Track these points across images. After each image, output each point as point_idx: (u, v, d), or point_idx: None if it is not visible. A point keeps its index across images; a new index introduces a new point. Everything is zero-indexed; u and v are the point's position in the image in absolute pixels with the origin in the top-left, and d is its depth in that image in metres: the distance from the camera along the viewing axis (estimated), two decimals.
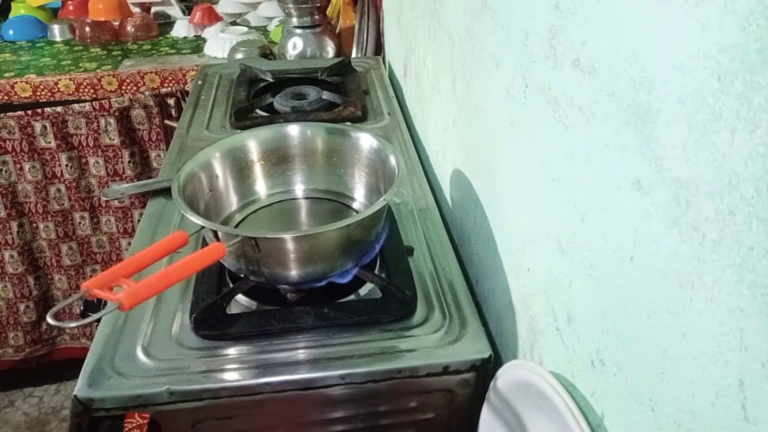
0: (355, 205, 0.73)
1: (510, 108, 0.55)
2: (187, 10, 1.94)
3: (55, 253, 1.58)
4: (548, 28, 0.45)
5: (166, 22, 1.92)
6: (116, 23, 1.80)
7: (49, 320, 0.43)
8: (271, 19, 1.89)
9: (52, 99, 1.48)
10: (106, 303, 0.46)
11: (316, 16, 1.43)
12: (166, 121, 1.47)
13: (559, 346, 0.48)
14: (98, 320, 0.46)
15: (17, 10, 1.89)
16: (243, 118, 1.00)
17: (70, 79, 1.48)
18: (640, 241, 0.35)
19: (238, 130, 0.96)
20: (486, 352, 0.57)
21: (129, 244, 0.73)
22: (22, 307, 1.60)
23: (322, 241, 0.58)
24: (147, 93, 1.46)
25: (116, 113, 1.44)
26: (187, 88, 1.49)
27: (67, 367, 1.65)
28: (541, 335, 0.51)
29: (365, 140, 0.71)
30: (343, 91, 1.12)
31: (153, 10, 1.94)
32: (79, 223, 1.56)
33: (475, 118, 0.67)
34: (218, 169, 0.69)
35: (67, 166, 1.48)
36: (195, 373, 0.54)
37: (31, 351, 1.66)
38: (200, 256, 0.51)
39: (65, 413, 1.65)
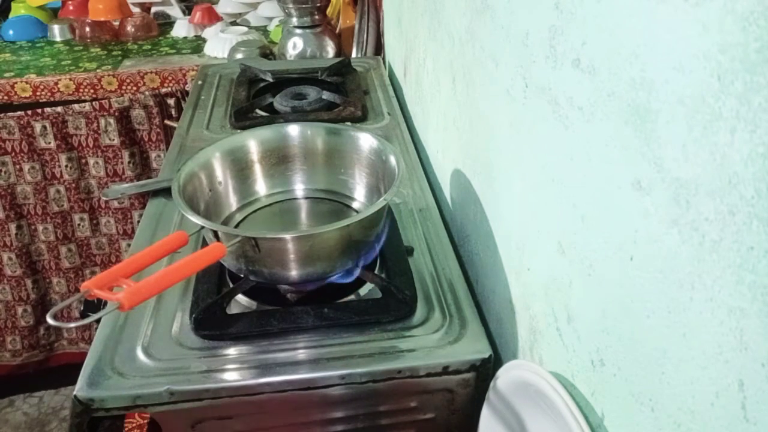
0: (355, 205, 0.73)
1: (510, 108, 0.55)
2: (187, 10, 1.94)
3: (54, 256, 1.57)
4: (548, 28, 0.45)
5: (166, 22, 1.92)
6: (116, 23, 1.80)
7: (49, 320, 0.43)
8: (271, 19, 1.89)
9: (52, 99, 1.48)
10: (106, 303, 0.46)
11: (316, 16, 1.43)
12: (166, 121, 1.47)
13: (559, 346, 0.48)
14: (98, 320, 0.46)
15: (17, 10, 1.89)
16: (243, 118, 1.00)
17: (70, 79, 1.48)
18: (640, 241, 0.35)
19: (238, 130, 0.96)
20: (486, 352, 0.57)
21: (128, 245, 0.73)
22: (20, 310, 1.59)
23: (322, 241, 0.58)
24: (147, 93, 1.46)
25: (116, 113, 1.44)
26: (187, 88, 1.49)
27: (66, 372, 1.63)
28: (541, 335, 0.51)
29: (365, 140, 0.71)
30: (343, 91, 1.12)
31: (153, 10, 1.94)
32: (79, 224, 1.56)
33: (475, 118, 0.67)
34: (218, 169, 0.69)
35: (66, 166, 1.48)
36: (195, 373, 0.54)
37: (29, 356, 1.64)
38: (200, 256, 0.51)
39: (65, 413, 1.65)
